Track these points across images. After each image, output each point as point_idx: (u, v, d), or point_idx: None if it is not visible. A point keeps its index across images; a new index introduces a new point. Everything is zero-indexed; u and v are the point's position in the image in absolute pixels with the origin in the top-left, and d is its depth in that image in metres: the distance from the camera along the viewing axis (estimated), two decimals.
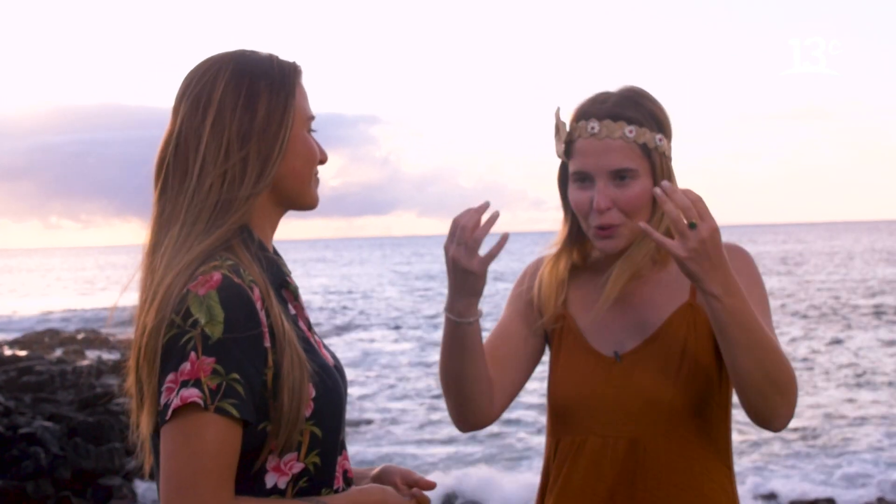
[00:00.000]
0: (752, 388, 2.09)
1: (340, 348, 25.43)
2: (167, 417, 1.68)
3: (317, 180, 1.95)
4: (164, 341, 1.70)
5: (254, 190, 1.82)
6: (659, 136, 2.27)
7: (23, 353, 20.35)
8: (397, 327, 30.91)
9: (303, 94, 1.92)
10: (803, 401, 15.68)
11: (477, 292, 2.19)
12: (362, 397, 17.63)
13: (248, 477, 1.75)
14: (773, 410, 2.12)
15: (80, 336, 25.96)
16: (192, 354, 1.68)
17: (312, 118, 1.94)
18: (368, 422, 15.25)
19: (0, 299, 49.49)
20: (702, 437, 2.25)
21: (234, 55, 1.90)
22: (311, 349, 1.85)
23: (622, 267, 2.30)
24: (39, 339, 25.27)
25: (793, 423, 13.87)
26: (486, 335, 2.35)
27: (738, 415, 2.37)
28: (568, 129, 2.33)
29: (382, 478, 2.02)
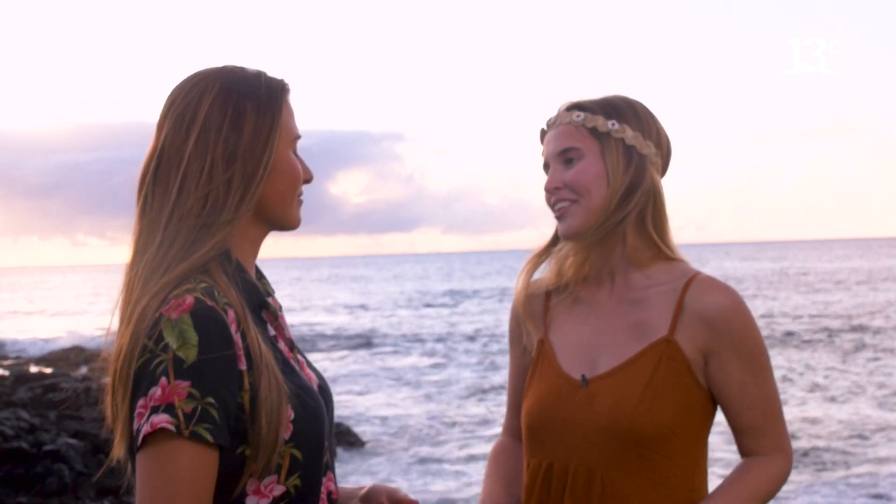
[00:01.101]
0: None
1: (356, 364, 25.44)
2: (139, 444, 1.65)
3: (299, 202, 1.91)
4: (136, 366, 1.68)
5: (236, 214, 1.79)
6: (612, 121, 2.30)
7: (48, 370, 20.46)
8: (409, 344, 30.87)
9: (289, 113, 1.88)
10: (833, 417, 15.59)
11: None
12: (358, 416, 17.58)
13: (228, 501, 1.73)
14: None
15: (104, 353, 26.04)
16: (163, 379, 1.65)
17: (298, 137, 1.90)
18: (363, 442, 15.06)
19: (27, 317, 49.73)
20: (665, 473, 2.20)
21: (220, 72, 1.85)
22: (291, 370, 1.82)
23: (574, 245, 2.33)
24: (65, 356, 25.38)
25: (829, 442, 13.78)
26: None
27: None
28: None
29: (370, 497, 1.99)
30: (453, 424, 16.61)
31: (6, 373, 20.73)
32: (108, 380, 1.76)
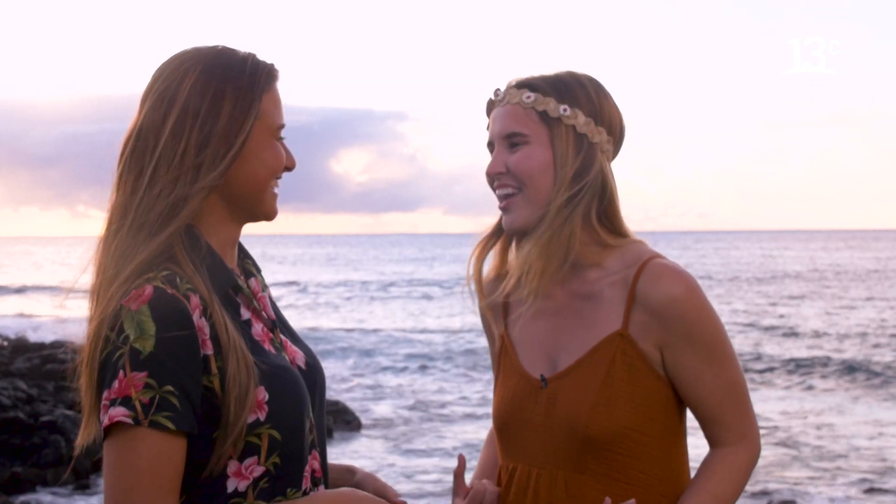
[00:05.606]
0: None
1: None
2: (103, 435, 1.69)
3: (273, 193, 1.88)
4: (101, 358, 1.70)
5: (199, 185, 1.77)
6: (564, 106, 2.14)
7: (47, 340, 20.46)
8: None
9: (273, 100, 1.85)
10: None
11: None
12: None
13: (207, 484, 1.74)
14: None
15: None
16: (121, 372, 1.66)
17: (282, 126, 1.87)
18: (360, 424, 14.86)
19: (29, 293, 49.77)
20: (633, 473, 2.11)
21: (206, 54, 1.83)
22: (262, 351, 1.81)
23: (523, 251, 2.14)
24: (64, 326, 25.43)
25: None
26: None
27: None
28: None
29: (361, 486, 1.99)
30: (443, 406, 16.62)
31: (4, 343, 20.76)
32: (79, 364, 1.77)
